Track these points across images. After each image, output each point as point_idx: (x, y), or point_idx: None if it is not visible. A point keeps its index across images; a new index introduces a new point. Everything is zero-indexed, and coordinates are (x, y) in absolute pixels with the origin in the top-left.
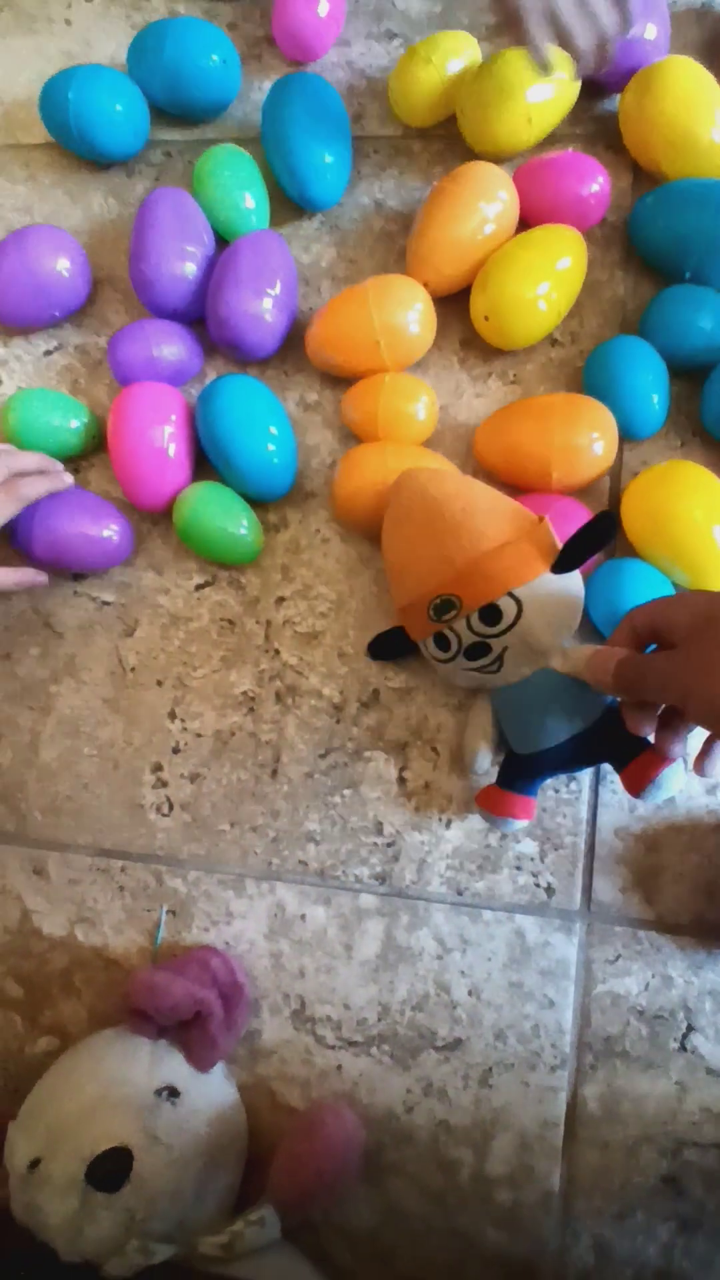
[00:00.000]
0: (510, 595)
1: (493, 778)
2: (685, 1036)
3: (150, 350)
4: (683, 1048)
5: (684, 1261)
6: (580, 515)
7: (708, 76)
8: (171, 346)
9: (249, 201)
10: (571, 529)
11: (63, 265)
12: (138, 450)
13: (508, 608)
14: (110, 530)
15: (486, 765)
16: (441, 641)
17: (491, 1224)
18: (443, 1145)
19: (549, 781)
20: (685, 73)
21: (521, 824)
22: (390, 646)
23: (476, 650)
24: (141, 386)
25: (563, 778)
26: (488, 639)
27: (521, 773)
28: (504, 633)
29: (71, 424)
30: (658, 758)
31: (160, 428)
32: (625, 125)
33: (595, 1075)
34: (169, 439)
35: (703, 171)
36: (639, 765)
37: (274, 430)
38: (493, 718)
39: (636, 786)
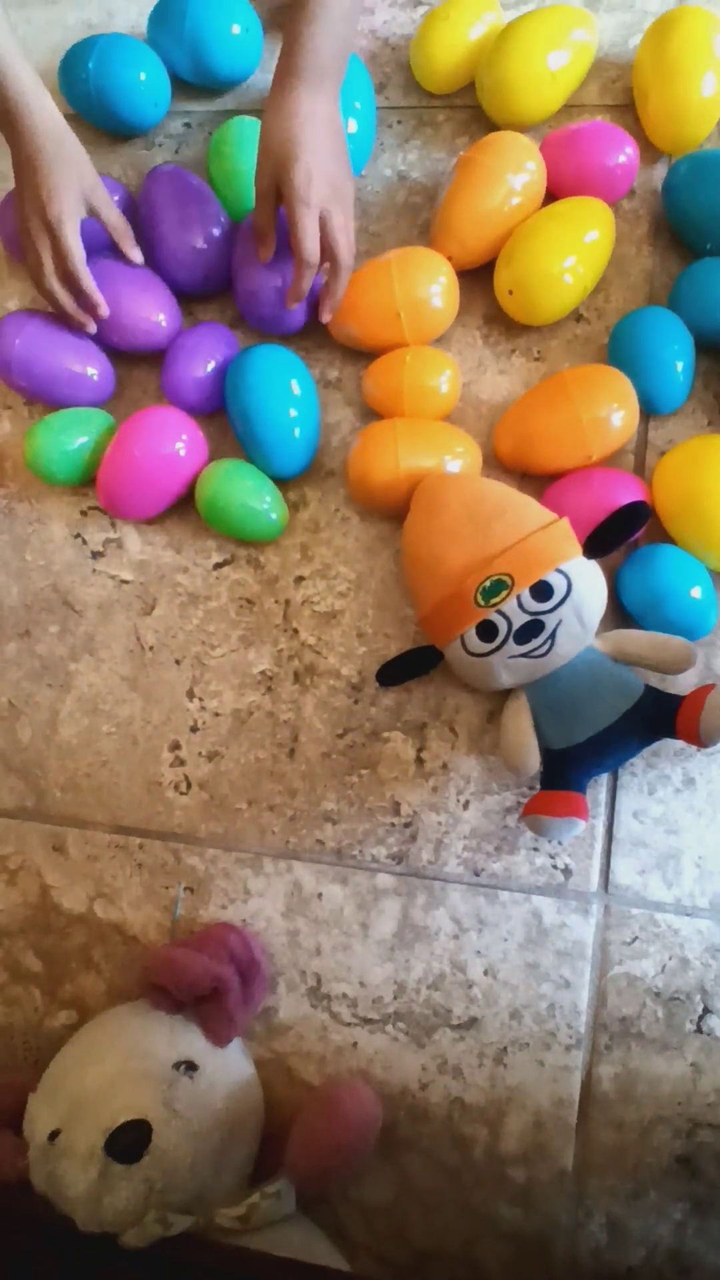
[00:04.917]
0: (559, 571)
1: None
2: (701, 1018)
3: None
4: (699, 1029)
5: (697, 1241)
6: (629, 485)
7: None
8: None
9: None
10: (624, 499)
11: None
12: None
13: (558, 583)
14: (91, 370)
15: (538, 763)
16: (487, 630)
17: (505, 1201)
18: (457, 1122)
19: None
20: (694, 25)
21: (581, 825)
22: (401, 671)
23: (529, 630)
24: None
25: None
26: (541, 616)
27: (567, 769)
28: (557, 607)
29: (79, 440)
30: (702, 691)
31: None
32: (636, 84)
33: (610, 1056)
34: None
35: (688, 138)
36: (688, 707)
37: (298, 390)
38: (530, 716)
39: (694, 718)
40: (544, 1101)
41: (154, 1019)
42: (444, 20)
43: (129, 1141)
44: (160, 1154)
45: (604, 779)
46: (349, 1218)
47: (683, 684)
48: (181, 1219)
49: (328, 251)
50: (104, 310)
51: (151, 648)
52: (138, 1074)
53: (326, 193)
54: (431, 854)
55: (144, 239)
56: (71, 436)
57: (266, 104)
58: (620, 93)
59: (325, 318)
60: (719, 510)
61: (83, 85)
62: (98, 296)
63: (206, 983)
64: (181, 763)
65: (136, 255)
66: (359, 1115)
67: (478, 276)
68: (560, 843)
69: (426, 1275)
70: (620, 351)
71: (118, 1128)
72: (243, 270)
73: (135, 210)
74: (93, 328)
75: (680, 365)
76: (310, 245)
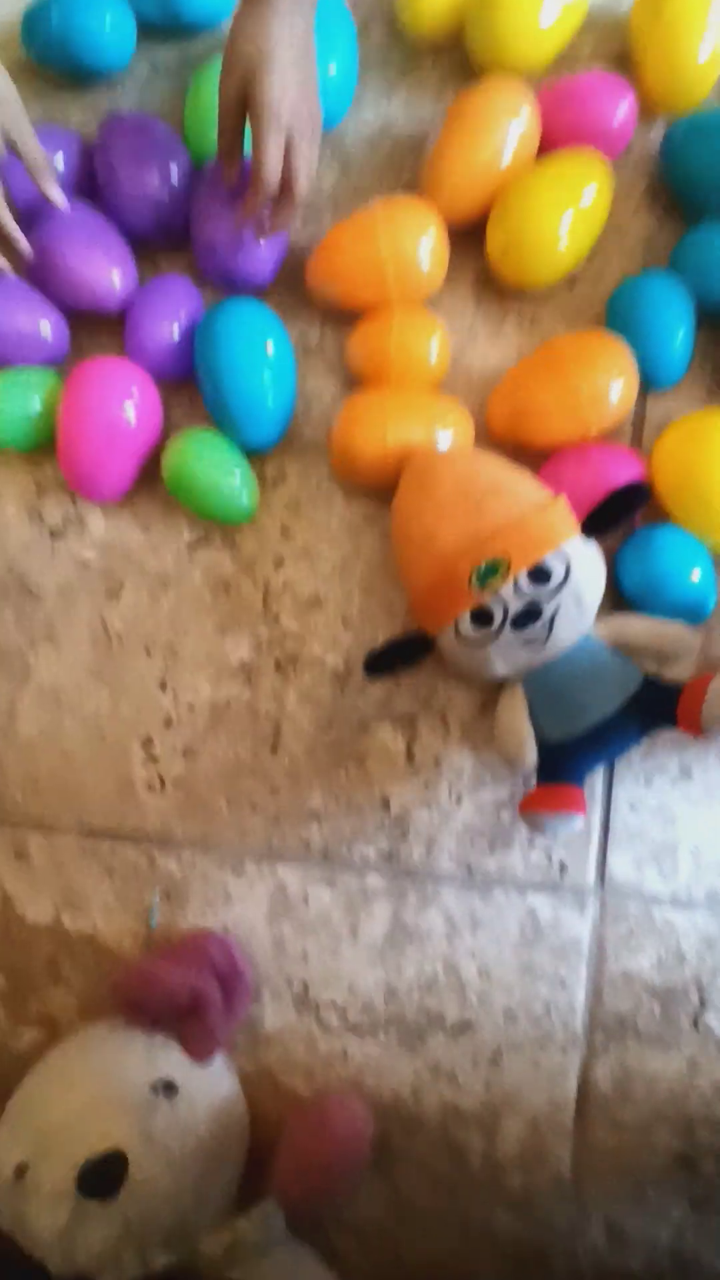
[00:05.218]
0: (557, 552)
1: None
2: (698, 1013)
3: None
4: (695, 1025)
5: (697, 1241)
6: (629, 461)
7: None
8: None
9: None
10: (623, 476)
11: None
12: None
13: (556, 565)
14: (44, 327)
15: (535, 755)
16: (482, 617)
17: (502, 1208)
18: (452, 1130)
19: None
20: None
21: (580, 821)
22: (390, 659)
23: (526, 616)
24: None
25: None
26: (539, 600)
27: (565, 761)
28: (555, 591)
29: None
30: (703, 680)
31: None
32: (633, 42)
33: (607, 1054)
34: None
35: (686, 98)
36: (689, 696)
37: (273, 352)
38: (526, 706)
39: (695, 708)
40: (540, 1104)
41: (129, 1038)
42: None
43: (104, 1176)
44: (138, 1187)
45: (599, 770)
46: (340, 1236)
47: (681, 671)
48: (162, 1255)
49: (285, 179)
50: (24, 246)
51: (119, 635)
52: (112, 1100)
53: (298, 113)
54: (423, 852)
55: (101, 186)
56: (24, 397)
57: (238, 10)
58: (614, 50)
59: (259, 238)
60: (718, 485)
61: (46, 28)
62: (13, 230)
63: (184, 996)
64: (154, 759)
65: (57, 195)
66: (349, 1130)
67: (469, 239)
68: (557, 837)
69: None
70: (619, 319)
71: (91, 1161)
72: (200, 222)
73: (92, 159)
74: (9, 268)
75: (680, 334)
76: (273, 168)
